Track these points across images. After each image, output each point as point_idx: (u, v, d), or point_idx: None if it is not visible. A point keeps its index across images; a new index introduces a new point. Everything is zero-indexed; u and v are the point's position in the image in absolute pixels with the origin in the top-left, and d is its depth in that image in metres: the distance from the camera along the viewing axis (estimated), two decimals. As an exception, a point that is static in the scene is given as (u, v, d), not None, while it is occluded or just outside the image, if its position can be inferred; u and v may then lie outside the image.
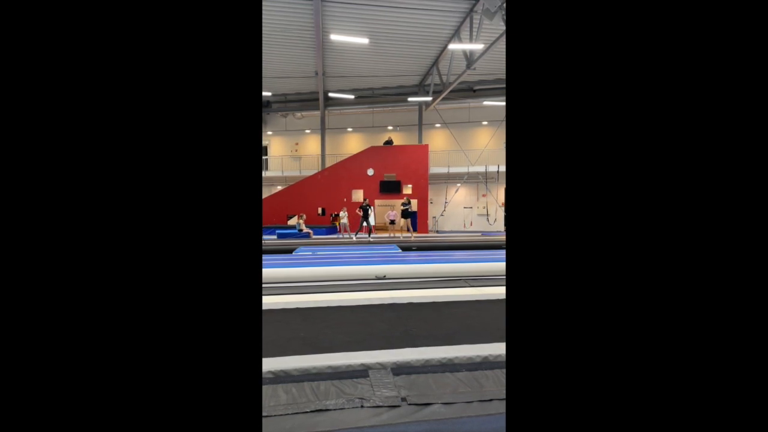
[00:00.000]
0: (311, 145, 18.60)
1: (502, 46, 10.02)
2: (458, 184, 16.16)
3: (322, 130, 16.93)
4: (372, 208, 12.54)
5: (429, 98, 14.65)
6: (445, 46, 11.52)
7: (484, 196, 16.50)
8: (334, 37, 10.68)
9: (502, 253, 6.98)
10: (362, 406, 1.91)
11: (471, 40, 10.07)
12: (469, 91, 15.44)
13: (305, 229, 11.94)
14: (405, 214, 11.32)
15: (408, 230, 11.59)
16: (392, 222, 13.66)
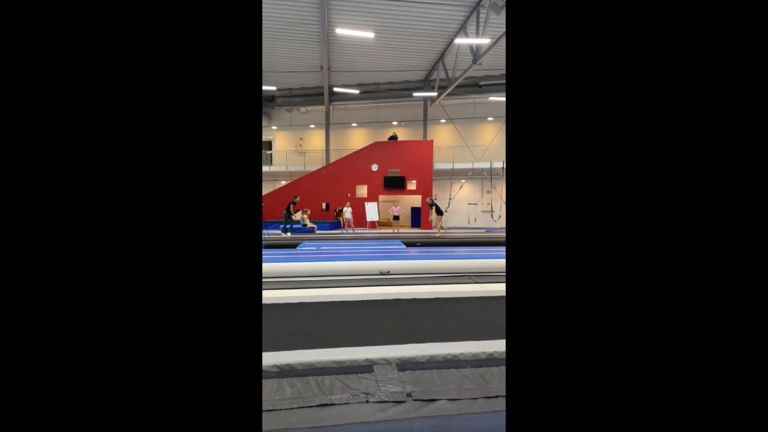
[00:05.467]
0: (316, 140, 18.58)
1: (508, 41, 9.92)
2: (463, 180, 16.11)
3: (327, 125, 16.90)
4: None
5: (434, 93, 14.58)
6: (451, 41, 11.44)
7: (488, 192, 16.45)
8: (340, 31, 10.62)
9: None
10: (367, 401, 1.91)
11: (477, 34, 10.00)
12: (475, 86, 15.36)
13: (309, 224, 11.95)
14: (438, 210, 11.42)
15: (436, 227, 11.67)
16: (396, 218, 13.65)
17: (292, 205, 10.86)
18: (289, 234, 10.62)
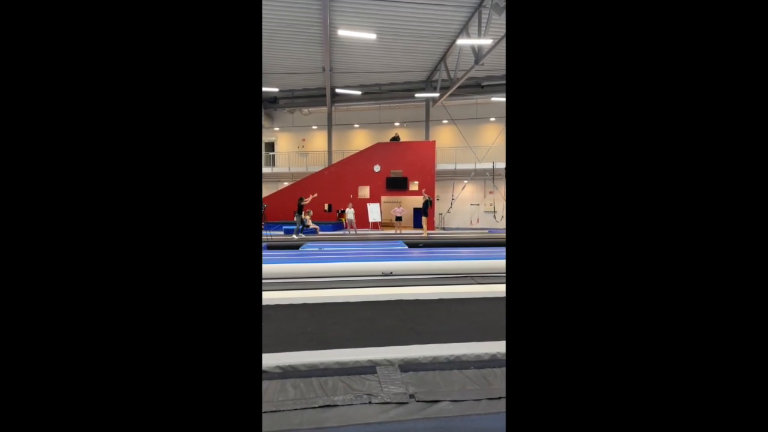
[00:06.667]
0: (318, 141, 18.60)
1: (510, 41, 9.90)
2: (465, 181, 16.10)
3: (329, 126, 16.92)
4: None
5: (436, 94, 14.58)
6: (453, 42, 11.44)
7: (491, 192, 16.43)
8: (342, 32, 10.64)
9: (510, 251, 6.93)
10: (370, 403, 1.91)
11: (479, 35, 9.99)
12: (477, 87, 15.34)
13: (312, 225, 11.96)
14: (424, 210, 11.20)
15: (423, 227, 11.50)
16: (398, 218, 13.64)
17: (302, 204, 10.81)
18: (301, 235, 10.63)
